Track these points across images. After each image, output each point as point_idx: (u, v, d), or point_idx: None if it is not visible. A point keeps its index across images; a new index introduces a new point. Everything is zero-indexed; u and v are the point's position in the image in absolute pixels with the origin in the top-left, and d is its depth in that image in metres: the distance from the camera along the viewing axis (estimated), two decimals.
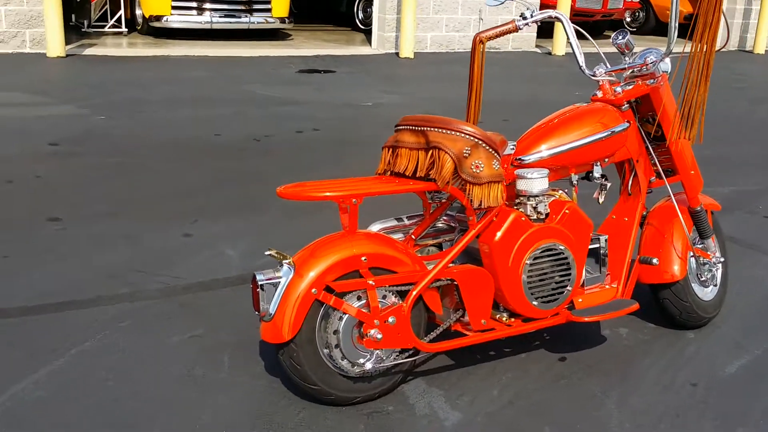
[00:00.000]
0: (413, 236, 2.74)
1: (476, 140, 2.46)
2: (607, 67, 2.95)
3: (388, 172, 2.61)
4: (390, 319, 2.42)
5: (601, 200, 2.91)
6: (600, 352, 2.95)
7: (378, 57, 10.11)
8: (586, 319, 2.74)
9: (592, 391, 2.68)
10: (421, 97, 7.59)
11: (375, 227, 2.75)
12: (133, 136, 5.56)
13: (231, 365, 2.72)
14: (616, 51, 2.90)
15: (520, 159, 2.69)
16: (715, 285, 3.16)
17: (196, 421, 2.40)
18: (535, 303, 2.66)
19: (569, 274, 2.71)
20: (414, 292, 2.46)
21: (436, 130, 2.47)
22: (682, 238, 2.99)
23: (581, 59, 2.86)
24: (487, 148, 2.48)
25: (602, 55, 2.99)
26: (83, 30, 10.12)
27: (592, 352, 2.94)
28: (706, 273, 3.11)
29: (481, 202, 2.49)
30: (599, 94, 2.94)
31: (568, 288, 2.72)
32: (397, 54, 10.12)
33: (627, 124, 2.84)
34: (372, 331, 2.40)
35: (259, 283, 2.34)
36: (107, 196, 4.35)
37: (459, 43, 10.64)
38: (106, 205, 4.22)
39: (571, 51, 2.86)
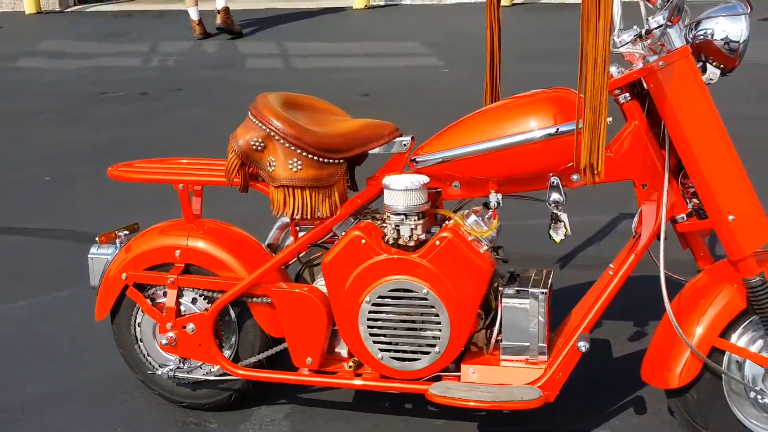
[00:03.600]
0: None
1: (268, 131, 2.03)
2: (641, 28, 2.00)
3: None
4: (188, 326, 2.24)
5: (557, 238, 2.06)
6: None
7: None
8: (439, 400, 2.04)
9: None
10: None
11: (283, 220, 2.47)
12: (443, 93, 5.62)
13: None
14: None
15: (414, 160, 2.10)
16: None
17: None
18: (380, 357, 2.09)
19: (438, 329, 2.04)
20: (216, 303, 2.21)
21: (248, 113, 2.12)
22: (711, 323, 1.93)
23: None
24: (284, 143, 2.03)
25: (643, 5, 2.03)
26: None
27: None
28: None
29: (279, 209, 2.06)
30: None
31: (437, 349, 2.05)
32: None
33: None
34: (165, 334, 2.26)
35: (89, 255, 2.40)
36: None
37: None
38: None
39: None
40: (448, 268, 2.02)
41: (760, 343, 1.97)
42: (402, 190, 2.04)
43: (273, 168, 2.05)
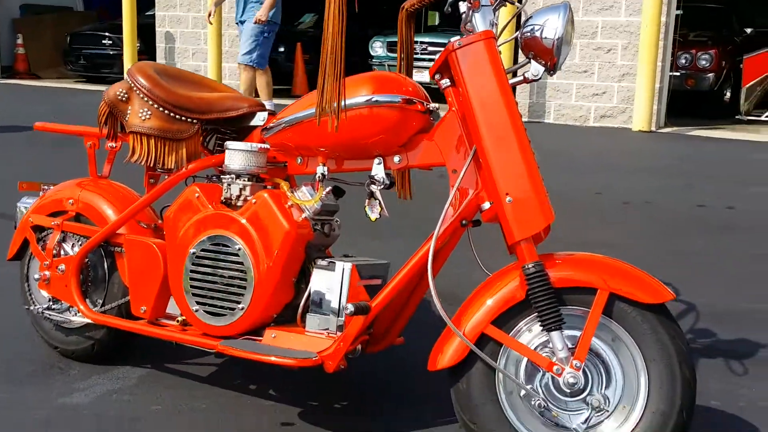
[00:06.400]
0: None
1: (131, 84, 2.31)
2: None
3: None
4: (60, 267, 2.49)
5: (372, 216, 2.14)
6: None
7: None
8: (222, 350, 2.12)
9: None
10: None
11: None
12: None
13: None
14: None
15: (263, 129, 2.29)
16: None
17: None
18: (195, 309, 2.22)
19: (243, 286, 2.15)
20: (82, 247, 2.45)
21: None
22: (485, 310, 1.92)
23: None
24: (140, 94, 2.30)
25: None
26: (737, 117, 9.92)
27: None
28: (546, 400, 1.88)
29: (129, 155, 2.31)
30: None
31: (241, 305, 2.15)
32: None
33: (396, 98, 2.03)
34: (42, 272, 2.52)
35: (18, 204, 2.74)
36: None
37: None
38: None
39: None
40: (259, 226, 2.14)
41: (538, 339, 1.89)
42: (236, 150, 2.21)
43: (127, 116, 2.31)
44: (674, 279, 3.52)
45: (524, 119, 9.64)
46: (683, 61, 10.08)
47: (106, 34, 12.89)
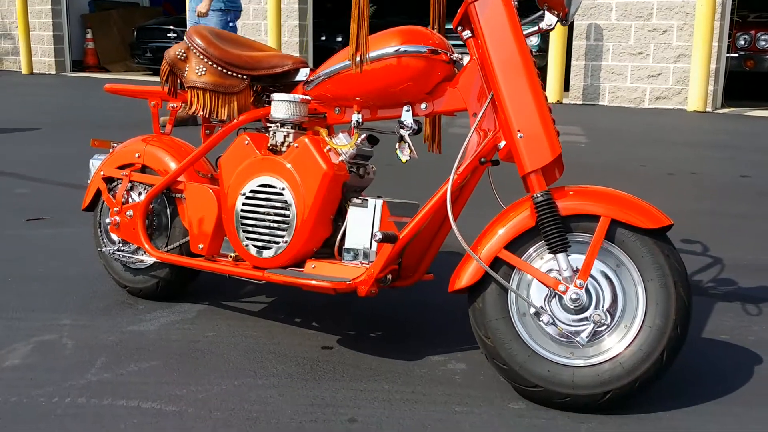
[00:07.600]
0: None
1: (188, 44, 2.60)
2: None
3: None
4: (128, 212, 2.81)
5: (403, 158, 2.40)
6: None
7: None
8: (267, 277, 2.40)
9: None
10: None
11: None
12: (570, 155, 5.84)
13: None
14: None
15: (306, 82, 2.57)
16: (587, 348, 2.11)
17: None
18: (245, 244, 2.51)
19: (287, 222, 2.43)
20: (147, 193, 2.76)
21: None
22: (499, 236, 2.16)
23: None
24: (196, 52, 2.58)
25: None
26: None
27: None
28: (553, 316, 2.12)
29: (188, 108, 2.61)
30: None
31: (285, 239, 2.43)
32: None
33: (423, 48, 2.29)
34: (112, 217, 2.84)
35: (90, 160, 3.08)
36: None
37: None
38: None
39: None
40: (300, 168, 2.41)
41: (546, 265, 2.12)
42: (281, 100, 2.50)
43: (186, 72, 2.62)
44: (707, 236, 3.70)
45: (579, 102, 9.84)
46: (742, 43, 10.06)
47: (171, 27, 13.43)
